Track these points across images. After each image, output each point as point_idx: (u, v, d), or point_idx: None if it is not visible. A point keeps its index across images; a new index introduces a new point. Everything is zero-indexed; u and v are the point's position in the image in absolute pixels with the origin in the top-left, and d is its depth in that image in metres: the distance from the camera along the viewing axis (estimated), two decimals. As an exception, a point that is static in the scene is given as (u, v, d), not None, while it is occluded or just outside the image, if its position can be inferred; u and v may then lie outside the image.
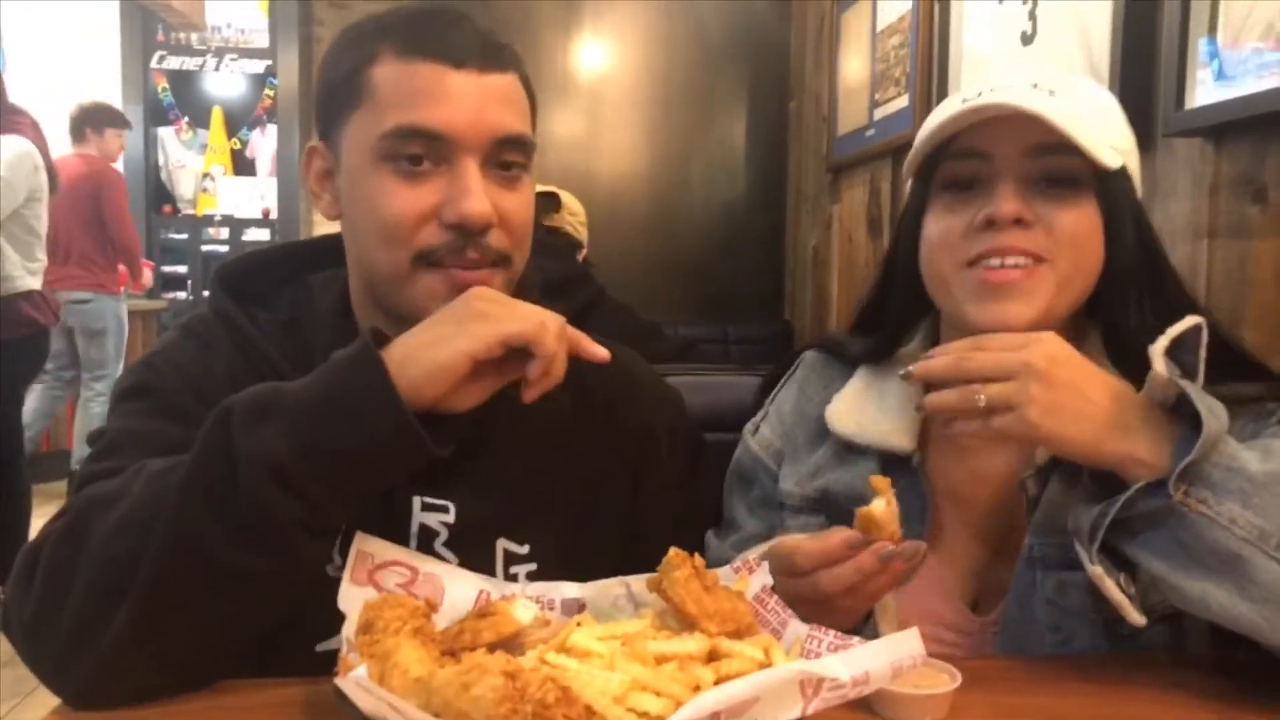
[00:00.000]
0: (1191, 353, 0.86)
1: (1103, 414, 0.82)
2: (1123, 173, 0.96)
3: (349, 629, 0.72)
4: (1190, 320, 0.86)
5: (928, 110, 2.88)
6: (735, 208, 4.48)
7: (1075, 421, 0.82)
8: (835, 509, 1.04)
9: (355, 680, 0.59)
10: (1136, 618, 0.82)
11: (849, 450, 1.06)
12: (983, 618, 0.99)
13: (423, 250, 0.92)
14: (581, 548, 1.01)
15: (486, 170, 0.93)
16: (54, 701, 0.82)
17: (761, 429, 1.16)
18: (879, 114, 3.13)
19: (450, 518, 0.96)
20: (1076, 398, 0.82)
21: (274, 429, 0.78)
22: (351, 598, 0.76)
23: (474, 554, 0.96)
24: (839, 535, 0.85)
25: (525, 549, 0.99)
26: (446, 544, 0.96)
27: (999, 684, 0.85)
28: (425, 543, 0.96)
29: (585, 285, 2.50)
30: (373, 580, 0.80)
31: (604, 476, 1.05)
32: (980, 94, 0.97)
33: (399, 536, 0.93)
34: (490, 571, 0.96)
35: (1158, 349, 0.83)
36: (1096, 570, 0.82)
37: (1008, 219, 0.93)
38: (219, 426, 0.80)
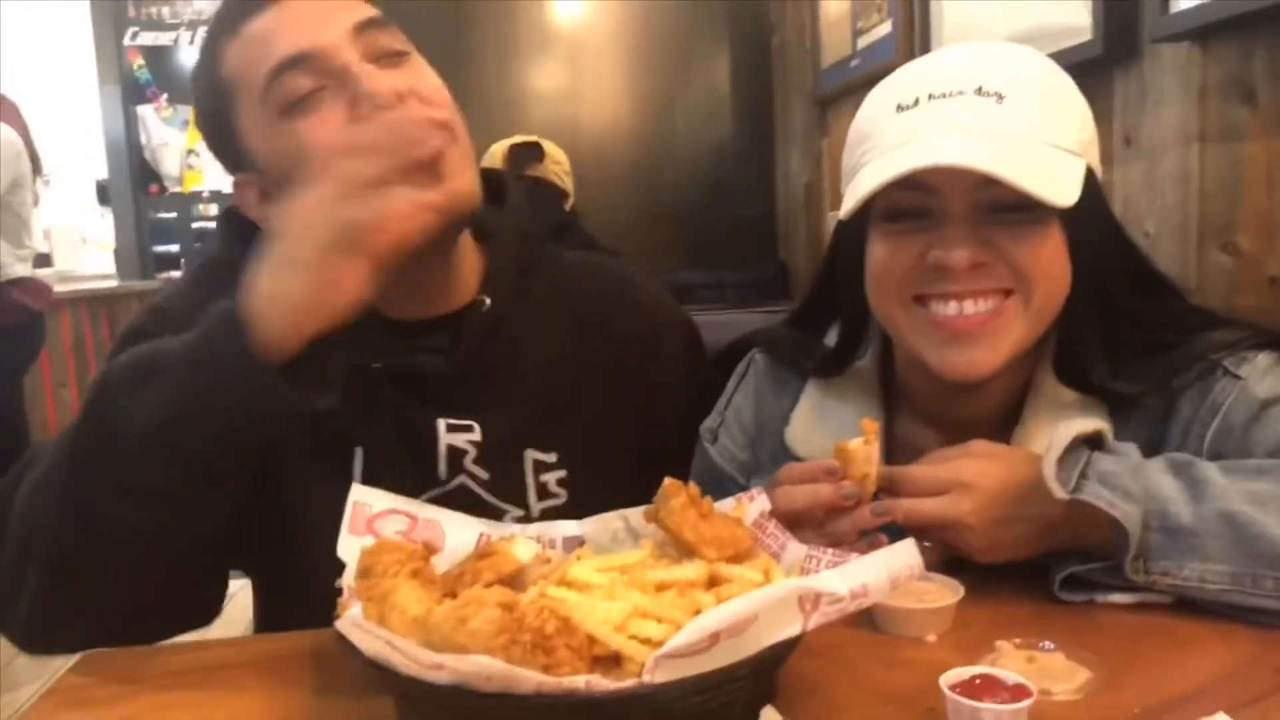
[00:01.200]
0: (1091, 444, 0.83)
1: (1042, 527, 0.83)
2: (1087, 178, 0.87)
3: (348, 576, 0.73)
4: (1067, 435, 0.81)
5: (911, 35, 2.83)
6: (723, 150, 4.43)
7: (1018, 549, 0.84)
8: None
9: (352, 620, 0.60)
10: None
11: None
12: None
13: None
14: (606, 449, 1.06)
15: (372, 60, 0.90)
16: None
17: (721, 438, 1.11)
18: (862, 43, 3.08)
19: (477, 435, 1.00)
20: (1012, 528, 0.83)
21: (153, 394, 0.78)
22: (350, 547, 0.76)
23: (504, 467, 1.01)
24: (823, 461, 0.87)
25: (553, 456, 1.04)
26: (476, 461, 1.00)
27: (1001, 596, 0.85)
28: (455, 462, 1.00)
29: (574, 234, 2.48)
30: (371, 529, 0.80)
31: (617, 386, 1.09)
32: (916, 102, 0.88)
33: (427, 460, 0.98)
34: (521, 485, 1.02)
35: (1047, 472, 0.78)
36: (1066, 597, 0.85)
37: (962, 268, 0.85)
38: (99, 394, 0.81)
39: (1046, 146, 0.86)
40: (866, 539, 0.86)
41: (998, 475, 0.84)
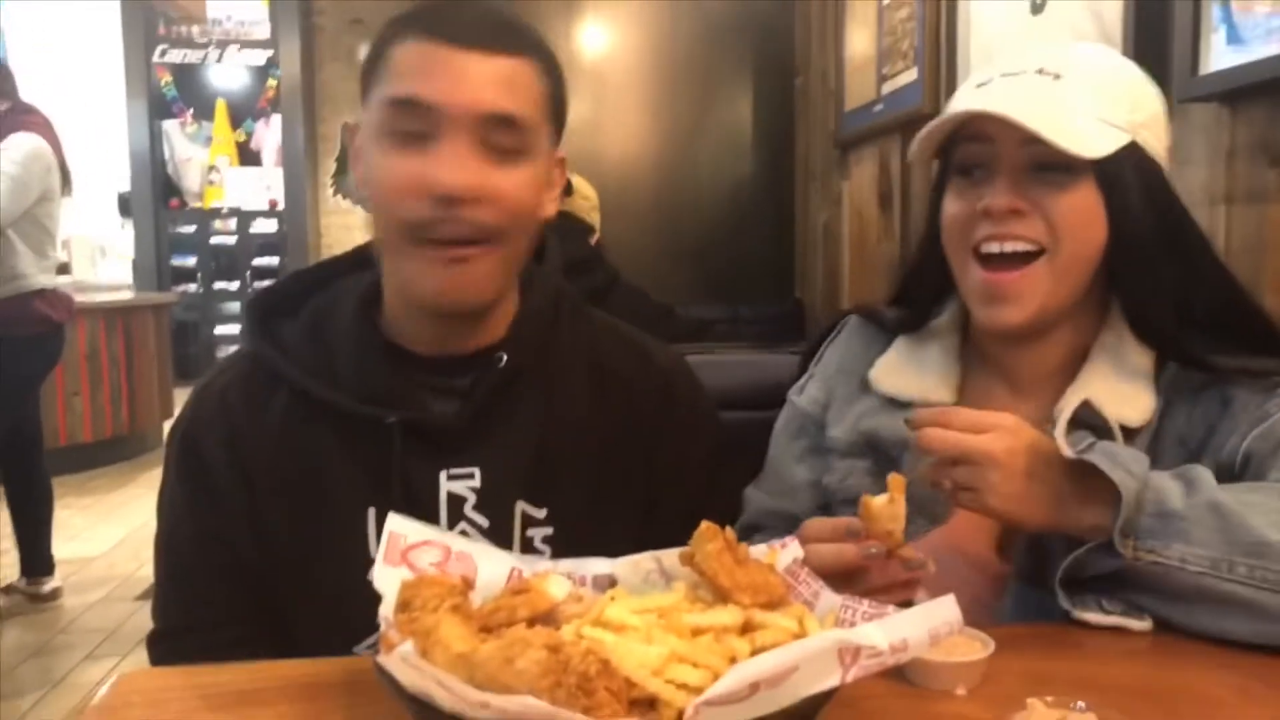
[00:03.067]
0: (1096, 419, 0.92)
1: (1054, 494, 0.88)
2: (1128, 149, 0.97)
3: (386, 608, 0.73)
4: (1075, 399, 0.90)
5: (936, 83, 2.87)
6: (743, 187, 4.47)
7: (1029, 507, 0.88)
8: (881, 453, 1.10)
9: (401, 655, 0.60)
10: (1140, 625, 0.88)
11: (893, 402, 1.11)
12: (1004, 563, 1.02)
13: (410, 223, 0.95)
14: (598, 516, 1.04)
15: (480, 149, 0.95)
16: (78, 696, 0.84)
17: (808, 388, 1.22)
18: (887, 88, 3.11)
19: (476, 482, 1.02)
20: (1031, 483, 0.87)
21: None
22: (387, 577, 0.76)
23: (496, 516, 1.01)
24: (846, 520, 0.90)
25: (543, 513, 1.03)
26: (475, 508, 1.01)
27: (1032, 651, 0.85)
28: (455, 510, 1.01)
29: (599, 268, 2.51)
30: (406, 560, 0.80)
31: (621, 448, 1.08)
32: (990, 80, 1.02)
33: (429, 512, 0.99)
34: (508, 533, 1.02)
35: (1059, 433, 0.87)
36: (1076, 614, 0.88)
37: (1001, 210, 0.98)
38: None
39: (1092, 119, 0.97)
40: (890, 595, 0.86)
41: (1032, 435, 0.89)
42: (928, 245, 1.12)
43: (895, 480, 0.88)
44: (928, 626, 0.65)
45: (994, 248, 1.00)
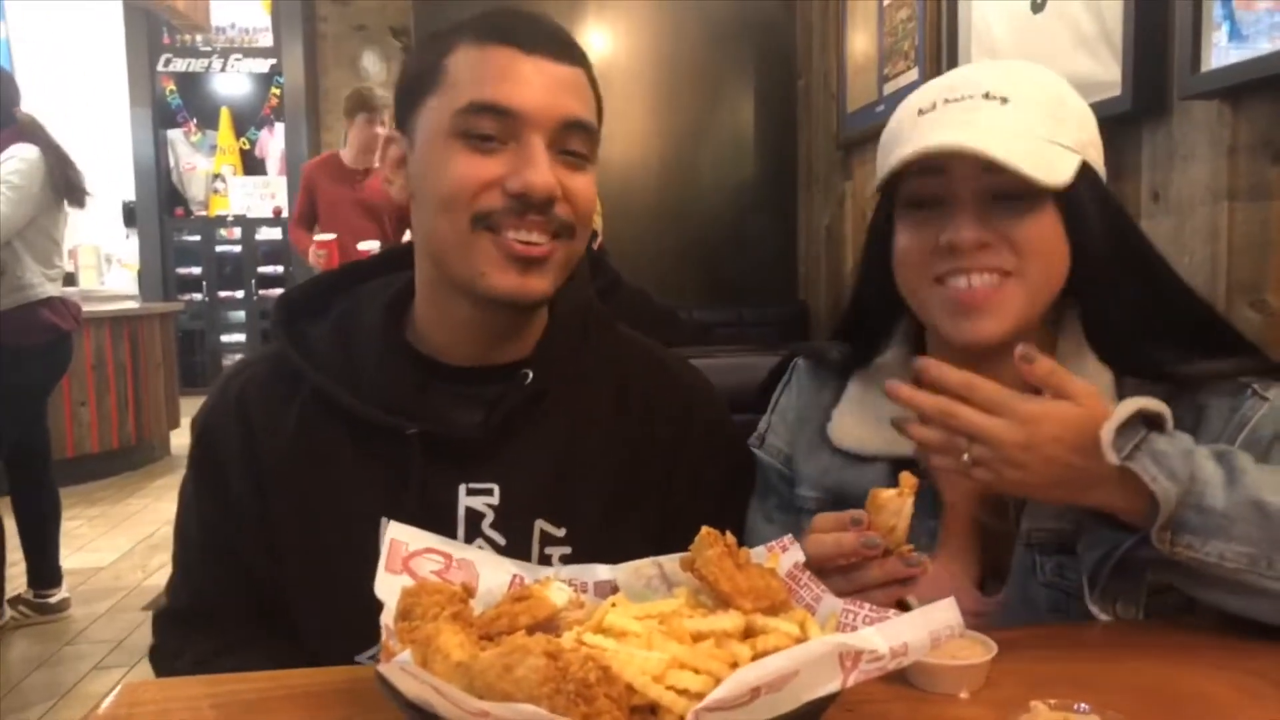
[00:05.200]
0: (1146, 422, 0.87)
1: (1077, 476, 0.86)
2: (1082, 170, 0.96)
3: (387, 616, 0.73)
4: (1133, 406, 0.85)
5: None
6: (746, 190, 4.47)
7: (1051, 487, 0.87)
8: (851, 508, 1.05)
9: (400, 665, 0.60)
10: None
11: (857, 457, 1.09)
12: (988, 597, 1.00)
13: (480, 212, 0.95)
14: (617, 536, 1.03)
15: (553, 152, 0.96)
16: (85, 707, 0.84)
17: (768, 439, 1.19)
18: (889, 89, 3.11)
19: (495, 499, 1.01)
20: (1053, 466, 0.86)
21: None
22: (388, 585, 0.77)
23: (515, 534, 1.00)
24: (851, 511, 0.89)
25: (562, 531, 1.02)
26: (493, 525, 1.00)
27: (1034, 653, 0.85)
28: (473, 526, 1.00)
29: (601, 271, 2.50)
30: (407, 568, 0.80)
31: (641, 467, 1.07)
32: (934, 105, 0.99)
33: (446, 527, 0.98)
34: (526, 551, 1.00)
35: (1105, 436, 0.83)
36: (1094, 608, 0.88)
37: (969, 246, 0.96)
38: None
39: (1045, 142, 0.96)
40: (888, 591, 0.87)
41: (1055, 425, 0.86)
42: (869, 278, 1.10)
43: (907, 478, 0.88)
44: (928, 630, 0.65)
45: (961, 283, 0.97)
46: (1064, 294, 1.01)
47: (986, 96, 0.97)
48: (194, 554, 1.07)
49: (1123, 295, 0.99)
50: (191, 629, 1.05)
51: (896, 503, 0.87)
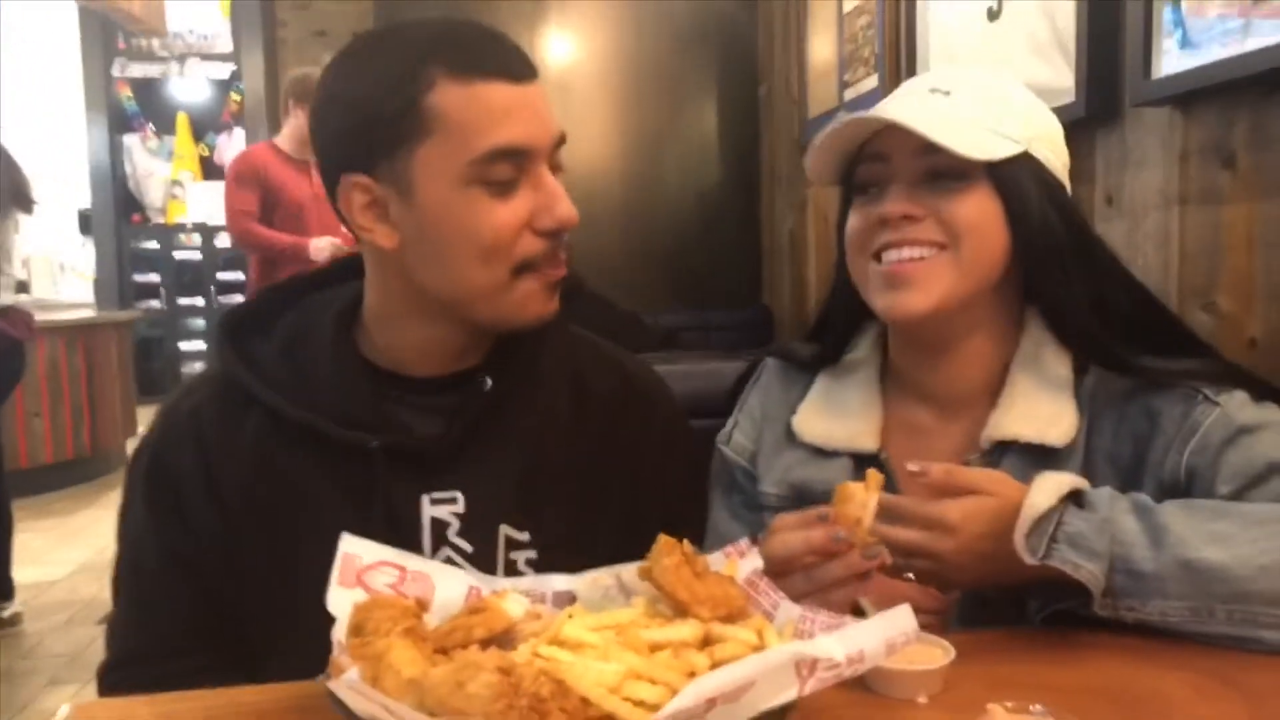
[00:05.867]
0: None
1: (1013, 564, 0.85)
2: (1022, 158, 0.99)
3: (339, 631, 0.72)
4: (1040, 504, 0.85)
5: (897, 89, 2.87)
6: (709, 194, 4.48)
7: (997, 576, 0.89)
8: (813, 504, 1.05)
9: (348, 684, 0.59)
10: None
11: (820, 453, 1.10)
12: (948, 594, 1.00)
13: (523, 261, 0.96)
14: (582, 537, 1.02)
15: (552, 178, 0.97)
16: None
17: (735, 436, 1.20)
18: (849, 94, 3.13)
19: (460, 508, 1.00)
20: (988, 561, 0.87)
21: None
22: (340, 600, 0.75)
23: (481, 542, 1.00)
24: (816, 509, 0.90)
25: (526, 536, 1.02)
26: (459, 534, 1.00)
27: (991, 656, 0.86)
28: (438, 535, 0.99)
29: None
30: (361, 582, 0.79)
31: (603, 468, 1.07)
32: (882, 105, 1.04)
33: (411, 539, 0.97)
34: (492, 558, 1.00)
35: (1018, 541, 0.84)
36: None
37: (895, 216, 1.00)
38: None
39: (985, 129, 1.00)
40: (846, 589, 0.88)
41: (984, 519, 0.87)
42: (839, 275, 1.12)
43: (874, 475, 0.89)
44: (884, 637, 0.65)
45: (892, 255, 1.01)
46: (1025, 290, 1.04)
47: (932, 91, 1.03)
48: (152, 586, 1.02)
49: (1076, 282, 1.01)
50: (145, 672, 1.00)
51: (862, 495, 0.88)
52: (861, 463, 1.07)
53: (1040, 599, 0.91)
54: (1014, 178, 0.99)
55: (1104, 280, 1.02)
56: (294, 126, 3.86)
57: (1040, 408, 1.00)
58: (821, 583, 0.87)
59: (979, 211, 0.99)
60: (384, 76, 0.93)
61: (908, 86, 1.07)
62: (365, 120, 0.94)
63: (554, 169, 0.98)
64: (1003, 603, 0.94)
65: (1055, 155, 1.04)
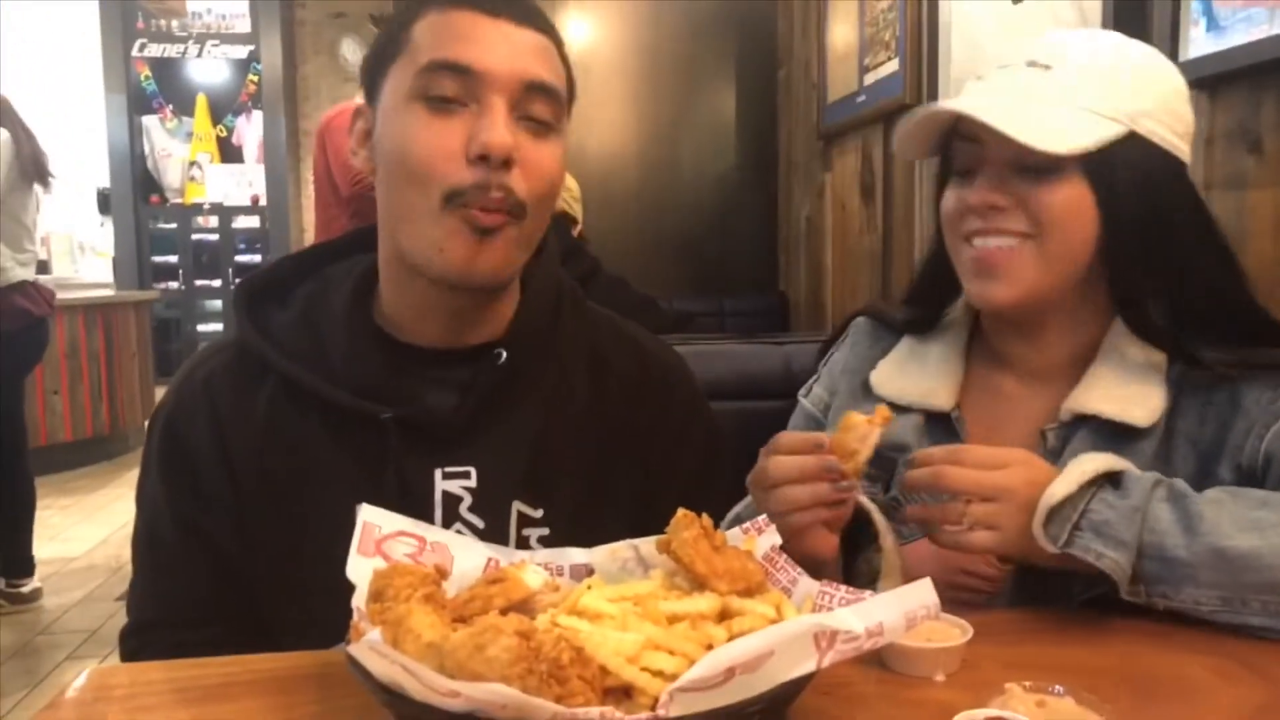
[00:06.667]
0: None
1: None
2: (1122, 141, 0.95)
3: (359, 598, 0.72)
4: (1061, 490, 0.85)
5: (918, 73, 2.87)
6: (727, 180, 4.46)
7: (1036, 553, 0.87)
8: (879, 457, 1.07)
9: (369, 644, 0.59)
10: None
11: (894, 408, 1.08)
12: (1006, 564, 1.00)
13: (452, 190, 0.92)
14: (595, 515, 1.02)
15: (515, 118, 0.94)
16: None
17: (814, 389, 1.23)
18: (869, 79, 3.11)
19: (473, 482, 1.00)
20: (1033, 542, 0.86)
21: None
22: (360, 568, 0.75)
23: (492, 517, 0.99)
24: (815, 434, 0.92)
25: (539, 513, 1.01)
26: (471, 509, 0.99)
27: (1010, 636, 0.85)
28: (450, 509, 0.99)
29: (580, 258, 2.50)
30: (380, 551, 0.79)
31: (618, 446, 1.07)
32: (980, 77, 1.03)
33: (424, 512, 0.96)
34: (504, 533, 0.99)
35: (1036, 528, 0.85)
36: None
37: (982, 206, 0.99)
38: None
39: (1081, 110, 0.96)
40: (812, 515, 0.89)
41: (1046, 468, 0.88)
42: (935, 245, 1.12)
43: (882, 409, 0.90)
44: (903, 610, 0.65)
45: (979, 242, 1.01)
46: (1110, 286, 1.02)
47: (1031, 64, 0.99)
48: (168, 554, 1.02)
49: (1152, 276, 0.99)
50: (164, 638, 1.01)
51: (865, 428, 0.88)
52: (934, 420, 1.08)
53: (1081, 583, 0.90)
54: (1109, 166, 0.96)
55: (1185, 272, 0.99)
56: None
57: (1126, 387, 0.99)
58: (788, 503, 0.88)
59: (1068, 202, 0.97)
60: (394, 15, 0.99)
61: (1009, 54, 1.02)
62: (371, 54, 1.01)
63: (527, 119, 0.94)
64: (1055, 587, 0.92)
65: (1168, 124, 0.99)
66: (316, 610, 0.91)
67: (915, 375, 1.11)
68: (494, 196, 0.92)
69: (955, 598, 0.90)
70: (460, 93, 0.92)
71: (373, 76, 1.00)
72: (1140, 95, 0.97)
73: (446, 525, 0.99)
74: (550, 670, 0.57)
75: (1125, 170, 0.96)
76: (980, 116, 0.95)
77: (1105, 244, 0.98)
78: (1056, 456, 0.99)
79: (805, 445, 0.90)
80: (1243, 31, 1.47)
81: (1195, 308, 0.99)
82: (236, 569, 1.01)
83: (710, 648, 0.64)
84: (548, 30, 0.99)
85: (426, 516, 0.98)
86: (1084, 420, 1.00)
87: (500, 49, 0.93)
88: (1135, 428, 0.97)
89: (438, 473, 0.99)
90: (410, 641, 0.62)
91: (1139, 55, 1.01)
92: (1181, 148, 1.00)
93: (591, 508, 1.03)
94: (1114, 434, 0.97)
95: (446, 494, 0.99)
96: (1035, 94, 0.97)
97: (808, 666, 0.62)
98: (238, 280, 7.52)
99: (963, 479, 0.88)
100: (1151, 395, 0.98)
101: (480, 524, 0.99)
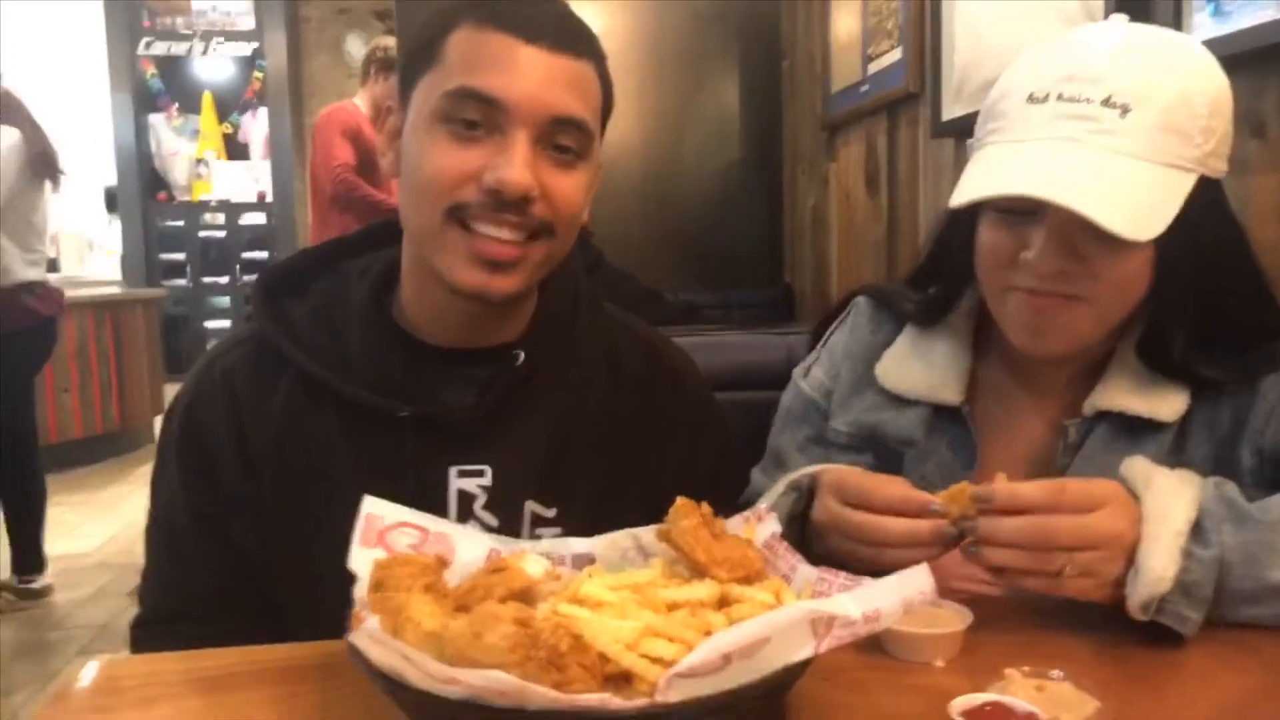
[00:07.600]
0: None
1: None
2: (1194, 189, 0.89)
3: (360, 589, 0.73)
4: (1158, 587, 0.79)
5: (921, 62, 2.85)
6: (731, 171, 4.45)
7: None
8: (883, 449, 1.08)
9: (368, 633, 0.60)
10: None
11: (898, 399, 1.09)
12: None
13: (454, 204, 0.92)
14: (608, 515, 1.00)
15: (540, 148, 0.92)
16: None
17: (813, 371, 1.20)
18: (873, 68, 3.10)
19: (488, 480, 1.00)
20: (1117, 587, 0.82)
21: None
22: (362, 559, 0.76)
23: (506, 516, 1.00)
24: (925, 495, 0.86)
25: (552, 512, 1.02)
26: (485, 507, 1.00)
27: (1009, 622, 0.86)
28: (465, 507, 0.99)
29: (583, 250, 2.50)
30: (382, 542, 0.80)
31: (632, 446, 1.07)
32: (1046, 97, 0.91)
33: (437, 507, 0.95)
34: (517, 532, 1.00)
35: (1132, 604, 0.80)
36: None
37: (1047, 273, 0.93)
38: None
39: (1156, 166, 0.89)
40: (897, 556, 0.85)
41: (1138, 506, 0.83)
42: (945, 244, 1.09)
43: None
44: (900, 596, 0.65)
45: (1033, 298, 0.95)
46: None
47: (1106, 103, 0.88)
48: (182, 544, 1.02)
49: (1191, 307, 0.96)
50: (176, 631, 1.00)
51: (967, 501, 0.83)
52: (940, 414, 1.07)
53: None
54: (1184, 221, 0.89)
55: (1226, 304, 0.97)
56: (376, 94, 3.87)
57: (1152, 383, 0.98)
58: (899, 565, 0.77)
59: (1132, 269, 0.93)
60: (432, 18, 0.97)
61: (1078, 76, 0.90)
62: (407, 54, 0.99)
63: (553, 148, 0.93)
64: None
65: (1225, 153, 0.94)
66: (330, 604, 0.91)
67: (922, 368, 1.08)
68: (509, 219, 0.91)
69: (976, 590, 0.90)
70: (484, 120, 0.91)
71: (407, 77, 0.98)
72: (1210, 134, 0.91)
73: (460, 523, 0.98)
74: (549, 657, 0.58)
75: (1185, 231, 0.90)
76: (1060, 200, 0.86)
77: (1155, 290, 0.95)
78: (1076, 450, 0.99)
79: (914, 507, 0.85)
80: (1248, 15, 1.46)
81: (1218, 330, 0.97)
82: (250, 560, 1.01)
83: (709, 634, 0.65)
84: (590, 54, 0.96)
85: (440, 514, 0.97)
86: (1104, 414, 0.99)
87: (530, 78, 0.91)
88: (1157, 421, 0.97)
89: (453, 471, 1.00)
90: (410, 630, 0.62)
91: (1205, 81, 0.93)
92: (1224, 165, 0.95)
93: (605, 509, 1.02)
94: (1132, 427, 0.97)
95: (461, 492, 1.00)
96: (1109, 149, 0.88)
97: (805, 652, 0.62)
98: (245, 277, 7.56)
99: (1072, 532, 0.80)
100: (1175, 391, 0.97)
101: (494, 522, 1.00)
